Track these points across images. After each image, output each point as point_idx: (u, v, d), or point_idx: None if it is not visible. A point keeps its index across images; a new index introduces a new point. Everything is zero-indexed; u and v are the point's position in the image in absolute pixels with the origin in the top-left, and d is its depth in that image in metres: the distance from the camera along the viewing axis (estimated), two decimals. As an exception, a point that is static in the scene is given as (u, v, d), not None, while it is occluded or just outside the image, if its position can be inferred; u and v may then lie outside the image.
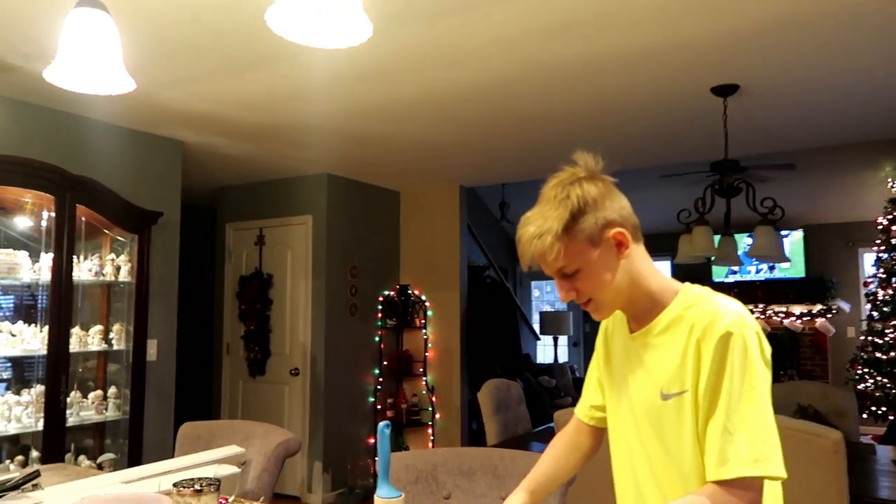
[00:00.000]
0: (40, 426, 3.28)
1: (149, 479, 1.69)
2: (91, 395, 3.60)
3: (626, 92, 3.43)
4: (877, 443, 4.16)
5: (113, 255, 3.79)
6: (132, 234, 3.81)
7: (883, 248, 6.42)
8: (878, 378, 6.29)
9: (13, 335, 3.32)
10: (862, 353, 6.56)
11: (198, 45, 2.83)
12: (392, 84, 3.30)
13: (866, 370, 6.44)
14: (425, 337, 5.83)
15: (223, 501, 1.54)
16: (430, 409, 5.74)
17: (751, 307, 7.99)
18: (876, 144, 4.81)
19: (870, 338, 6.47)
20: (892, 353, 6.22)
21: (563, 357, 9.29)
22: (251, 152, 4.69)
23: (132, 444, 3.68)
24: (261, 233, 5.59)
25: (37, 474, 1.68)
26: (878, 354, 6.33)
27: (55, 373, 3.33)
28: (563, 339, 9.04)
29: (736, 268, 8.30)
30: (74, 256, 3.47)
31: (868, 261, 7.80)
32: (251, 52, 2.89)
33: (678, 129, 4.10)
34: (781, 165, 5.06)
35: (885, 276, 6.37)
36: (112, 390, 3.69)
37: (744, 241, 6.94)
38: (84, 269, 3.60)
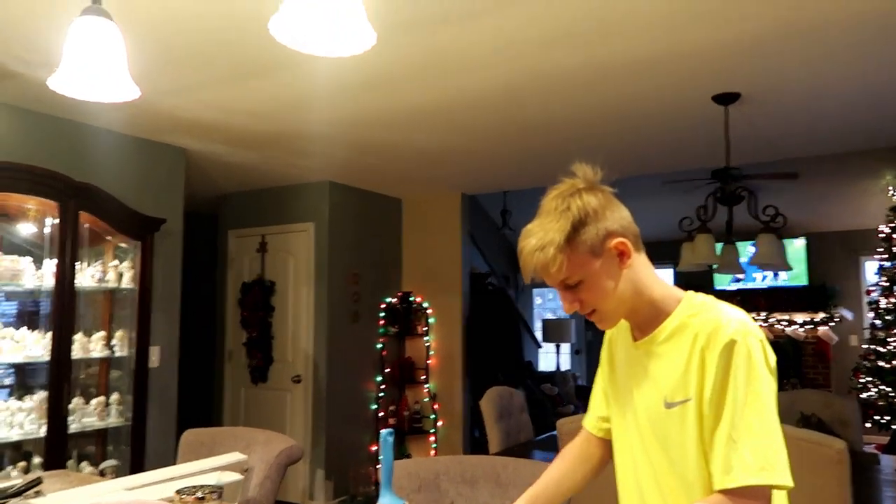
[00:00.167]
0: (43, 432, 3.28)
1: (151, 486, 1.69)
2: (93, 401, 3.60)
3: (628, 100, 3.44)
4: (880, 452, 4.14)
5: (116, 262, 3.80)
6: (135, 241, 3.82)
7: (885, 256, 6.41)
8: (882, 387, 6.27)
9: (16, 341, 3.32)
10: (865, 362, 6.54)
11: (202, 54, 2.85)
12: (395, 92, 3.32)
13: (869, 379, 6.43)
14: (427, 344, 5.83)
15: (225, 509, 1.54)
16: (433, 416, 5.73)
17: (753, 315, 8.02)
18: (878, 152, 4.81)
19: (872, 346, 6.46)
20: (895, 362, 6.20)
21: (566, 365, 9.27)
22: (254, 160, 4.70)
23: (134, 450, 3.68)
24: (263, 240, 5.59)
25: (39, 481, 1.68)
26: (881, 363, 6.31)
27: (58, 379, 3.33)
28: (565, 347, 9.02)
29: (739, 276, 8.29)
30: (77, 263, 3.47)
31: (870, 269, 7.78)
32: (255, 60, 2.90)
33: (680, 137, 4.11)
34: (783, 174, 5.06)
35: (887, 284, 6.36)
36: (114, 397, 3.69)
37: (746, 249, 6.94)
38: (87, 276, 3.61)
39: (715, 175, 3.89)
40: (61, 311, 3.37)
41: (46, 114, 3.60)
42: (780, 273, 8.15)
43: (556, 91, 3.30)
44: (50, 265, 3.41)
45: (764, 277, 8.35)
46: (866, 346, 6.64)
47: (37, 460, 3.29)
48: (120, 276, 3.77)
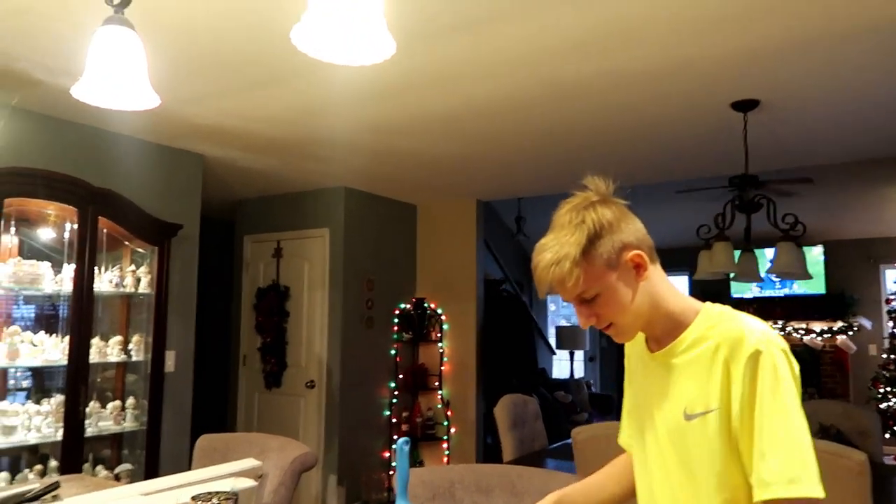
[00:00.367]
0: (59, 436, 3.30)
1: (167, 491, 1.70)
2: (109, 405, 3.63)
3: (645, 107, 3.42)
4: (901, 464, 4.08)
5: (133, 267, 3.83)
6: (152, 247, 3.85)
7: (906, 264, 6.33)
8: (902, 397, 6.19)
9: (34, 345, 3.35)
10: (884, 372, 6.46)
11: (221, 63, 2.87)
12: (411, 100, 3.32)
13: (889, 389, 6.34)
14: (441, 350, 5.82)
15: (241, 515, 1.54)
16: (446, 423, 5.71)
17: (770, 324, 7.93)
18: (898, 160, 4.76)
19: (892, 356, 6.37)
20: (916, 372, 6.11)
21: (580, 372, 9.23)
22: (270, 166, 4.73)
23: (149, 454, 3.70)
24: (278, 245, 5.62)
25: (56, 485, 1.69)
26: (902, 373, 6.22)
27: (75, 383, 3.36)
28: (579, 354, 8.98)
29: (756, 284, 8.22)
30: (95, 268, 3.51)
31: (890, 277, 7.69)
32: (273, 68, 2.92)
33: (697, 144, 4.08)
34: (798, 179, 5.01)
35: (908, 293, 6.28)
36: (130, 401, 3.72)
37: (764, 257, 6.88)
38: (105, 281, 3.64)
39: (732, 182, 3.85)
40: (79, 316, 3.40)
41: (67, 120, 3.64)
42: (796, 281, 8.07)
43: (572, 99, 3.30)
44: (69, 270, 3.44)
45: (782, 284, 8.27)
46: (886, 356, 6.56)
47: (53, 464, 3.32)
48: (137, 280, 3.80)
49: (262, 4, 2.32)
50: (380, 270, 5.66)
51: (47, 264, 3.41)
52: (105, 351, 3.62)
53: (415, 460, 5.71)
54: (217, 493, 1.48)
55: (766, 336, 1.14)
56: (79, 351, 3.39)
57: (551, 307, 10.18)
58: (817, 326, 7.86)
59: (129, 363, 3.80)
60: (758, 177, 3.87)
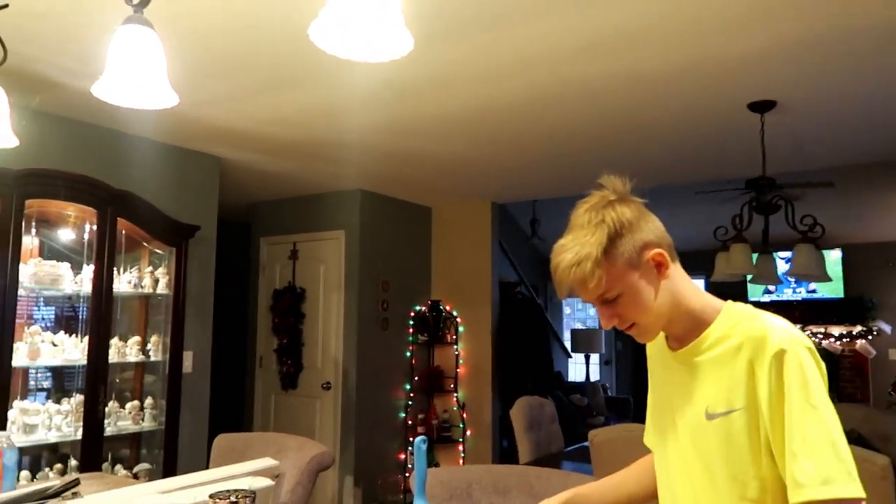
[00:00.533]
0: (79, 435, 3.33)
1: (185, 489, 1.71)
2: (128, 405, 3.65)
3: (662, 108, 3.40)
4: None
5: (151, 268, 3.86)
6: (170, 248, 3.88)
7: (927, 268, 6.24)
8: (923, 402, 6.09)
9: (55, 345, 3.39)
10: (905, 376, 6.36)
11: (236, 65, 2.89)
12: (425, 101, 3.33)
13: (910, 394, 6.24)
14: (456, 353, 5.81)
15: (258, 513, 1.54)
16: (461, 425, 5.71)
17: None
18: (919, 161, 4.69)
19: (914, 360, 6.28)
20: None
21: (595, 375, 9.18)
22: (286, 168, 4.75)
23: (167, 454, 3.72)
24: (294, 247, 5.65)
25: (76, 483, 1.70)
26: (923, 378, 6.13)
27: (94, 383, 3.39)
28: (594, 358, 8.93)
29: (772, 287, 8.14)
30: (114, 269, 3.54)
31: (911, 281, 7.58)
32: (290, 70, 2.94)
33: (714, 145, 4.05)
34: (819, 183, 4.95)
35: (929, 296, 6.19)
36: (148, 401, 3.74)
37: (782, 259, 6.81)
38: (123, 282, 3.67)
39: (749, 185, 3.82)
40: (98, 316, 3.44)
41: (87, 122, 3.68)
42: (813, 285, 7.99)
43: (588, 100, 3.29)
44: (88, 271, 3.48)
45: (798, 286, 8.17)
46: (907, 361, 6.46)
47: (73, 462, 3.35)
48: (155, 281, 3.83)
49: (277, 6, 2.34)
50: (395, 272, 5.67)
51: (67, 265, 3.45)
52: (124, 351, 3.65)
53: (430, 462, 5.71)
54: (235, 491, 1.49)
55: (790, 334, 1.12)
56: (98, 351, 3.42)
57: (566, 310, 10.14)
58: (836, 330, 7.77)
59: (148, 363, 3.83)
60: (775, 179, 3.83)
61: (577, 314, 10.27)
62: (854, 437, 3.40)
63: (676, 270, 1.23)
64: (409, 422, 5.61)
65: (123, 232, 3.65)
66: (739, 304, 1.23)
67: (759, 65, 2.85)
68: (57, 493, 1.65)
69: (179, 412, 3.80)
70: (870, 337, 7.60)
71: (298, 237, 5.63)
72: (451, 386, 5.77)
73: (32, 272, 3.28)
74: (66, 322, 3.62)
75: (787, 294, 8.27)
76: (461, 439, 5.68)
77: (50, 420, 3.30)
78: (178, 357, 3.82)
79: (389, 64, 2.83)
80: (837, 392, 7.70)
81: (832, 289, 7.89)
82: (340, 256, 5.36)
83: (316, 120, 3.65)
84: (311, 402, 5.38)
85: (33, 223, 3.41)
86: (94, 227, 3.48)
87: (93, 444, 3.36)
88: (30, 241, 3.38)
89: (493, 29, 2.51)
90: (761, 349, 1.12)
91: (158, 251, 3.92)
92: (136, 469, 3.67)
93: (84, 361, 3.39)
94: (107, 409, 3.48)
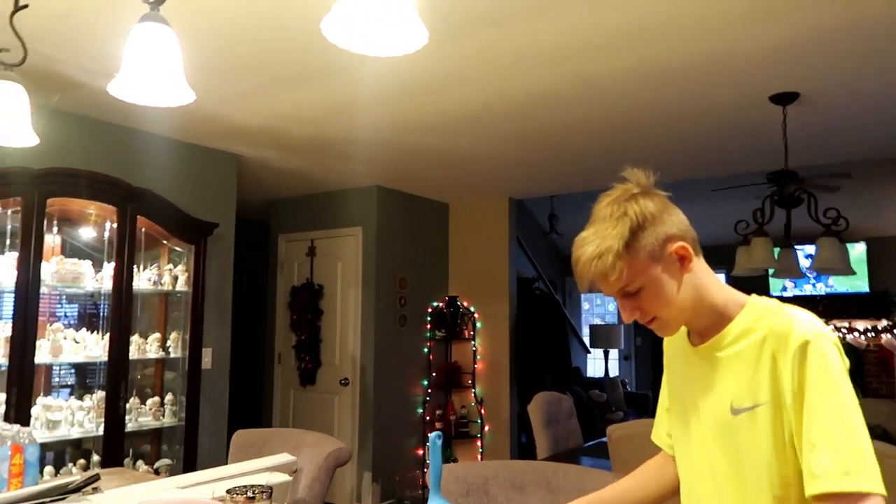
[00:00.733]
0: (101, 431, 3.37)
1: (203, 484, 1.72)
2: (149, 401, 3.69)
3: (682, 102, 3.36)
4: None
5: (170, 266, 3.89)
6: (189, 245, 3.91)
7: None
8: (951, 398, 5.98)
9: (77, 342, 3.43)
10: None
11: (253, 62, 2.90)
12: (442, 97, 3.32)
13: (937, 389, 6.13)
14: (474, 349, 5.81)
15: (275, 509, 1.55)
16: (479, 421, 5.70)
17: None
18: (946, 153, 4.59)
19: (940, 355, 6.16)
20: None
21: (614, 371, 9.13)
22: (303, 166, 4.77)
23: (187, 450, 3.75)
24: (312, 244, 5.67)
25: (97, 478, 1.72)
26: (950, 373, 6.02)
27: (115, 379, 3.43)
28: (613, 353, 8.88)
29: (790, 282, 8.04)
30: (134, 266, 3.57)
31: (938, 275, 7.44)
32: (306, 67, 2.94)
33: (735, 139, 3.99)
34: (835, 174, 4.86)
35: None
36: (169, 397, 3.78)
37: (804, 253, 6.71)
38: (143, 279, 3.71)
39: (771, 179, 3.76)
40: (119, 313, 3.47)
41: (107, 121, 3.72)
42: (832, 279, 7.87)
43: (606, 94, 3.25)
44: (109, 268, 3.51)
45: (817, 280, 8.05)
46: (933, 356, 6.34)
47: (95, 458, 3.39)
48: (175, 279, 3.86)
49: (291, 3, 2.34)
50: (412, 269, 5.67)
51: (88, 263, 3.49)
52: (144, 348, 3.69)
53: (448, 458, 5.71)
54: (252, 486, 1.49)
55: (814, 327, 1.10)
56: (119, 348, 3.46)
57: (585, 305, 10.09)
58: (861, 325, 7.65)
59: (168, 360, 3.86)
60: (797, 172, 3.77)
61: (596, 309, 10.22)
62: (879, 433, 3.35)
63: (700, 264, 1.21)
64: (427, 418, 5.62)
65: (143, 229, 3.68)
66: (764, 299, 1.21)
67: (781, 56, 2.80)
68: (78, 488, 1.67)
69: (199, 408, 3.83)
70: (895, 332, 7.48)
71: (316, 234, 5.65)
72: (469, 382, 5.76)
73: (54, 270, 3.32)
74: (88, 319, 3.66)
75: (809, 289, 8.15)
76: (479, 435, 5.67)
77: (72, 416, 3.34)
78: (198, 354, 3.86)
79: (403, 60, 2.84)
80: (862, 387, 7.59)
81: (857, 283, 7.76)
82: (358, 253, 5.37)
83: (331, 116, 3.65)
84: (329, 399, 5.40)
85: (55, 221, 3.45)
86: (115, 225, 3.52)
87: (114, 440, 3.40)
88: (52, 240, 3.42)
89: (507, 24, 2.49)
90: (785, 342, 1.10)
91: (178, 248, 3.95)
92: (157, 465, 3.71)
93: (105, 358, 3.44)
94: (128, 406, 3.52)
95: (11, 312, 3.10)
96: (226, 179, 4.42)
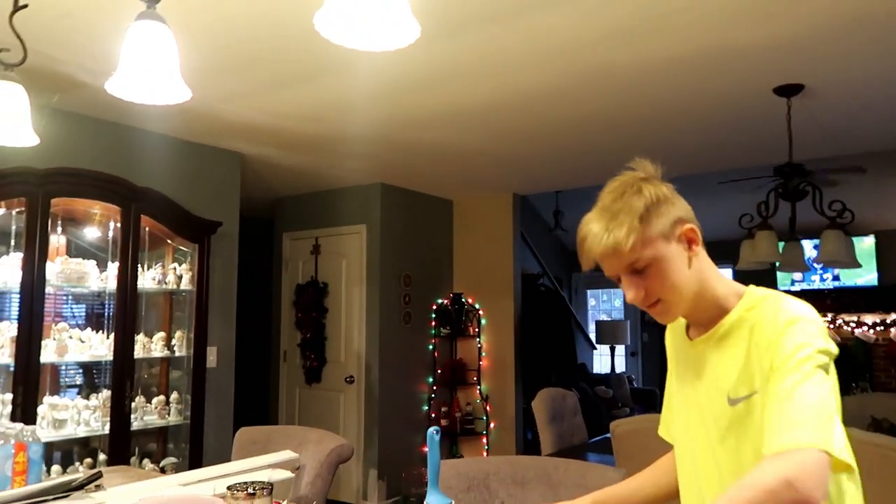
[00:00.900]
0: (107, 430, 3.39)
1: (205, 482, 1.72)
2: (154, 400, 3.71)
3: (686, 94, 3.34)
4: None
5: (175, 265, 3.90)
6: (193, 244, 3.92)
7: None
8: (960, 391, 5.94)
9: (82, 341, 3.45)
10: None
11: (252, 60, 2.90)
12: (444, 93, 3.31)
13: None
14: (479, 345, 5.80)
15: (276, 505, 1.55)
16: (485, 417, 5.70)
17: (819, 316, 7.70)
18: (954, 144, 4.55)
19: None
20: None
21: (621, 367, 9.11)
22: (306, 163, 4.77)
23: (193, 448, 3.77)
24: (316, 242, 5.67)
25: (99, 475, 1.73)
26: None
27: (121, 378, 3.45)
28: (620, 349, 8.86)
29: (799, 275, 7.99)
30: (139, 266, 3.58)
31: (947, 268, 7.38)
32: (306, 64, 2.94)
33: (739, 131, 3.97)
34: (849, 168, 4.84)
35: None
36: (174, 396, 3.79)
37: (810, 247, 6.67)
38: (148, 278, 3.72)
39: (777, 172, 3.73)
40: (124, 313, 3.48)
41: (110, 121, 3.73)
42: (844, 272, 7.82)
43: (609, 88, 3.24)
44: (113, 268, 3.53)
45: (826, 271, 7.99)
46: (943, 349, 6.30)
47: (102, 457, 3.40)
48: (179, 278, 3.87)
49: (291, 1, 2.34)
50: (417, 266, 5.67)
51: (93, 262, 3.50)
52: (149, 347, 3.70)
53: (454, 455, 5.71)
54: (253, 483, 1.49)
55: (800, 311, 1.10)
56: (124, 347, 3.47)
57: (591, 302, 10.07)
58: (869, 319, 7.61)
59: (173, 359, 3.87)
60: (804, 166, 3.75)
61: (603, 305, 10.20)
62: (886, 427, 3.33)
63: (704, 255, 1.22)
64: (433, 415, 5.62)
65: (147, 229, 3.69)
66: (762, 289, 1.20)
67: (785, 47, 2.77)
68: (80, 486, 1.68)
69: (204, 407, 3.84)
70: (904, 325, 7.43)
71: (320, 232, 5.66)
72: (474, 378, 5.76)
73: (59, 270, 3.34)
74: (93, 319, 3.67)
75: (821, 283, 8.10)
76: (485, 432, 5.67)
77: (79, 415, 3.35)
78: (202, 352, 3.87)
79: (404, 56, 2.83)
80: (871, 381, 7.54)
81: (866, 277, 7.71)
82: (362, 251, 5.38)
83: (333, 113, 3.65)
84: (334, 396, 5.41)
85: (60, 221, 3.46)
86: (119, 225, 3.53)
87: (120, 439, 3.42)
88: (57, 240, 3.43)
89: (508, 18, 2.48)
90: (769, 326, 1.10)
91: (182, 248, 3.96)
92: (163, 463, 3.72)
93: (111, 357, 3.45)
94: (133, 405, 3.53)
95: (17, 313, 3.12)
96: (229, 178, 4.43)
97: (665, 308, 1.19)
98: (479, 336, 5.80)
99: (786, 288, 8.11)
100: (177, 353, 3.83)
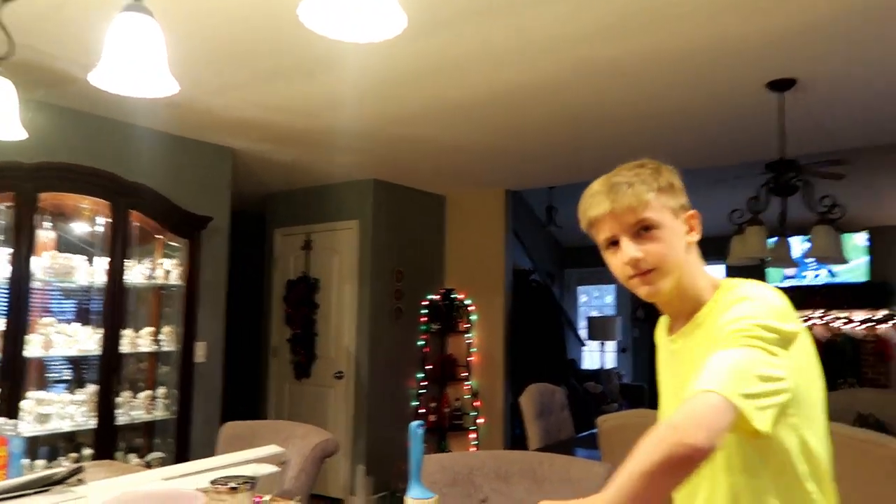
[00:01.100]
0: (93, 424, 3.37)
1: (188, 476, 1.71)
2: (141, 394, 3.69)
3: (677, 89, 3.33)
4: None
5: (164, 260, 3.88)
6: (183, 239, 3.90)
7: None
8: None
9: (69, 336, 3.43)
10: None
11: (244, 53, 2.88)
12: (436, 87, 3.30)
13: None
14: (469, 341, 5.80)
15: (258, 500, 1.55)
16: (474, 413, 5.70)
17: (809, 313, 7.73)
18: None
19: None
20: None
21: (611, 363, 9.13)
22: (298, 158, 4.75)
23: (179, 443, 3.75)
24: (308, 238, 5.66)
25: (80, 469, 1.72)
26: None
27: (107, 373, 3.43)
28: (610, 345, 8.88)
29: (791, 272, 8.01)
30: (127, 260, 3.56)
31: (937, 265, 7.42)
32: (297, 58, 2.92)
33: (731, 127, 3.97)
34: (830, 161, 4.81)
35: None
36: (161, 390, 3.78)
37: (802, 244, 6.69)
38: (136, 273, 3.70)
39: (770, 168, 3.73)
40: (112, 307, 3.47)
41: (100, 115, 3.71)
42: (836, 268, 7.85)
43: (601, 82, 3.23)
44: (102, 262, 3.51)
45: (819, 267, 8.01)
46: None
47: (87, 451, 3.39)
48: (168, 273, 3.85)
49: (280, -8, 2.32)
50: (408, 261, 5.66)
51: (82, 257, 3.48)
52: (137, 342, 3.68)
53: (443, 450, 5.72)
54: (235, 477, 1.49)
55: (754, 293, 1.12)
56: (111, 341, 3.46)
57: (582, 298, 10.08)
58: (859, 315, 7.65)
59: (161, 353, 3.86)
60: (796, 161, 3.75)
61: (594, 301, 10.21)
62: (872, 422, 3.35)
63: (696, 247, 1.25)
64: (422, 410, 5.62)
65: (136, 224, 3.67)
66: (736, 280, 1.21)
67: (778, 42, 2.76)
68: (61, 480, 1.67)
69: (192, 401, 3.83)
70: (893, 322, 7.47)
71: (312, 228, 5.64)
72: (464, 374, 5.76)
73: (48, 265, 3.31)
74: (81, 313, 3.65)
75: (811, 279, 8.12)
76: (473, 427, 5.67)
77: (64, 410, 3.33)
78: (190, 347, 3.85)
79: (396, 51, 2.82)
80: (859, 377, 7.59)
81: (856, 273, 7.74)
82: (354, 246, 5.36)
83: (325, 108, 3.63)
84: (324, 392, 5.40)
85: (48, 216, 3.44)
86: (108, 220, 3.51)
87: (106, 434, 3.41)
88: (46, 235, 3.41)
89: (497, 12, 2.47)
90: (724, 309, 1.12)
91: (172, 243, 3.94)
92: (148, 458, 3.70)
93: (98, 352, 3.43)
94: (120, 399, 3.52)
95: (5, 307, 3.10)
96: (220, 173, 4.41)
97: (657, 276, 1.19)
98: (469, 332, 5.80)
99: (776, 284, 8.14)
100: (165, 348, 3.82)
